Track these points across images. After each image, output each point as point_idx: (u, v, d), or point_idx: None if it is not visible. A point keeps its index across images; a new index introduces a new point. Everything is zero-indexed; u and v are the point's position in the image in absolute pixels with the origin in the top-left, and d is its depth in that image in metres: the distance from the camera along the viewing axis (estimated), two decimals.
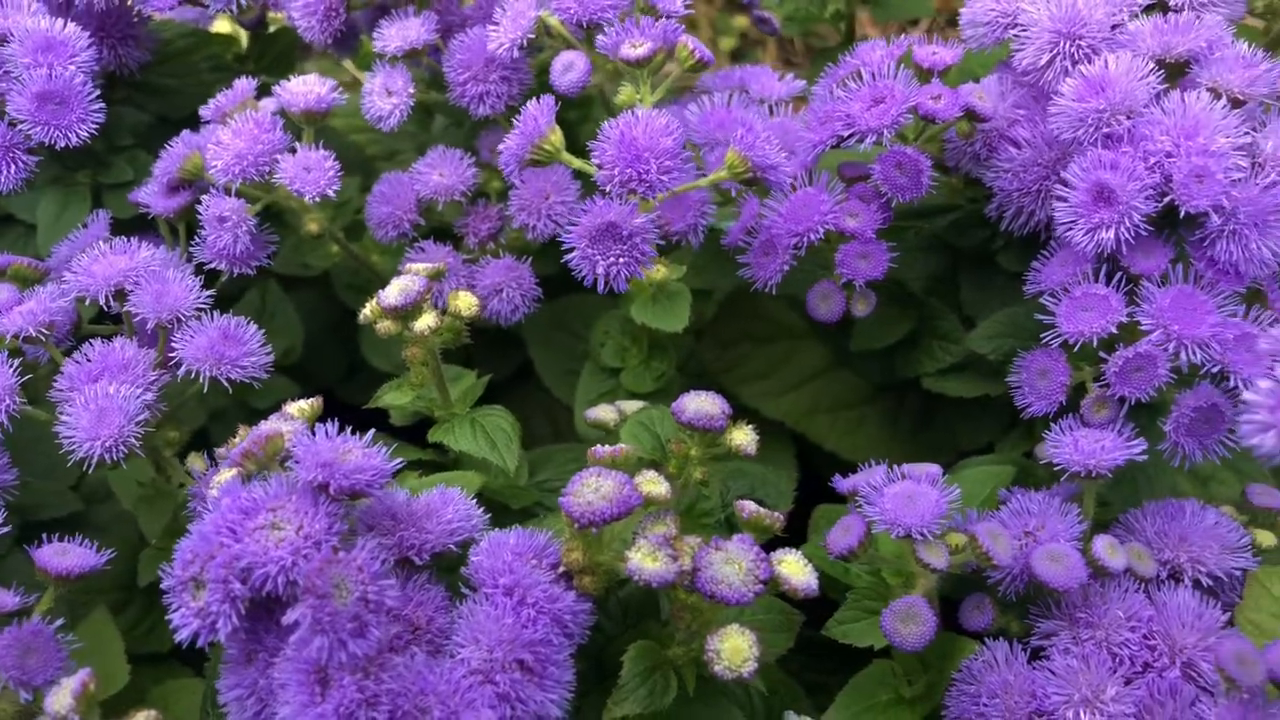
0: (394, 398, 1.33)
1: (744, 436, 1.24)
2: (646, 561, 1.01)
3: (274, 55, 1.75)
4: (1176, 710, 1.08)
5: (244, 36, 1.79)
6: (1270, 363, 0.92)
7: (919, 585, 1.19)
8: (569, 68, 1.31)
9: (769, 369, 1.65)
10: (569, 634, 1.04)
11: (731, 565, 1.04)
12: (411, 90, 1.43)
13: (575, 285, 1.52)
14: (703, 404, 1.23)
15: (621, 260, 1.15)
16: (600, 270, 1.15)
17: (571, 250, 1.16)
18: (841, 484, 1.20)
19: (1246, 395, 0.90)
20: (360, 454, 1.04)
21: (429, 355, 1.31)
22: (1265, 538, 1.22)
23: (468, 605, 1.02)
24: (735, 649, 1.02)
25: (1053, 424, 1.19)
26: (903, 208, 1.47)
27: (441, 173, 1.45)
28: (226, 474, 1.07)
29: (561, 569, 1.06)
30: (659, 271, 1.32)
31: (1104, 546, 1.16)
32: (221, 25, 1.84)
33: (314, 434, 1.05)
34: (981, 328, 1.38)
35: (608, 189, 1.13)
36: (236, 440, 1.14)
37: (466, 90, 1.42)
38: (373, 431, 1.07)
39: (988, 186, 1.32)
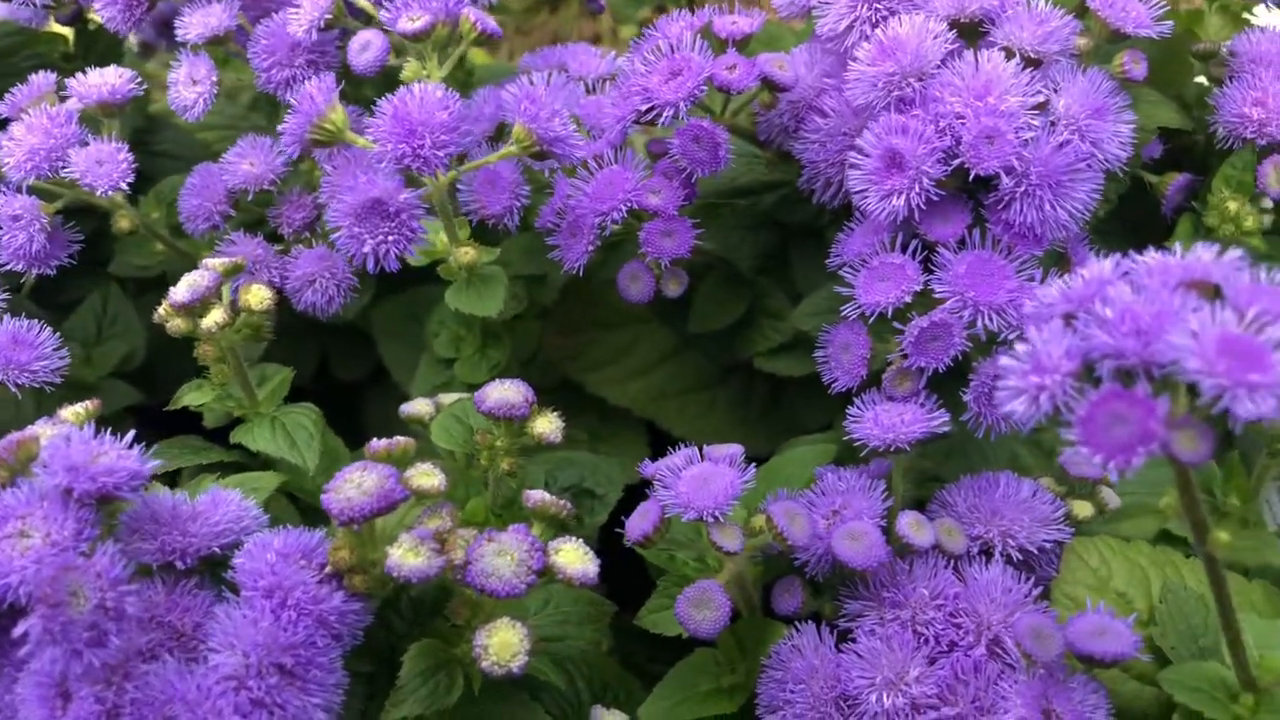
0: (194, 397, 1.28)
1: (548, 425, 1.20)
2: (407, 557, 0.97)
3: (99, 52, 1.70)
4: (979, 688, 1.05)
5: (72, 34, 1.74)
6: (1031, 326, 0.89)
7: (725, 571, 1.16)
8: (365, 47, 1.26)
9: (615, 355, 1.61)
10: (336, 636, 0.99)
11: (504, 557, 1.00)
12: (215, 79, 1.38)
13: (428, 275, 1.49)
14: (505, 392, 1.19)
15: (390, 238, 1.11)
16: (367, 249, 1.11)
17: (339, 229, 1.12)
18: (646, 469, 1.16)
19: (1002, 361, 0.87)
20: (115, 456, 0.99)
21: (227, 353, 1.26)
22: (1082, 509, 1.19)
23: (223, 609, 0.98)
24: (504, 643, 0.98)
25: (855, 399, 1.16)
26: (728, 186, 1.44)
27: (251, 162, 1.40)
28: None
29: (328, 569, 1.01)
30: (468, 254, 1.27)
31: (909, 523, 1.13)
32: (54, 24, 1.78)
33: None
34: (804, 304, 1.35)
35: (382, 165, 1.09)
36: None
37: (272, 76, 1.37)
38: (133, 433, 1.02)
39: (798, 159, 1.28)
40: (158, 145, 1.80)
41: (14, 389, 1.23)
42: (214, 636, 0.96)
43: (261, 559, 1.00)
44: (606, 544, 1.26)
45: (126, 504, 1.01)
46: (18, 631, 0.90)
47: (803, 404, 1.50)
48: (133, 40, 1.77)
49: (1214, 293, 0.83)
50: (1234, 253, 0.86)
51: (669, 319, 1.58)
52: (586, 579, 1.02)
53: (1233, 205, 1.29)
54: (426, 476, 1.04)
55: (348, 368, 1.84)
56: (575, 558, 1.02)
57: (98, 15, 1.43)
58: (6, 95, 1.40)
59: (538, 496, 1.08)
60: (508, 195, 1.34)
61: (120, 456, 0.99)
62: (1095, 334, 0.83)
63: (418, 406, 1.33)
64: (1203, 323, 0.79)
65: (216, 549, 1.03)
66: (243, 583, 0.99)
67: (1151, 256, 0.89)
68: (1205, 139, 1.37)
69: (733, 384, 1.61)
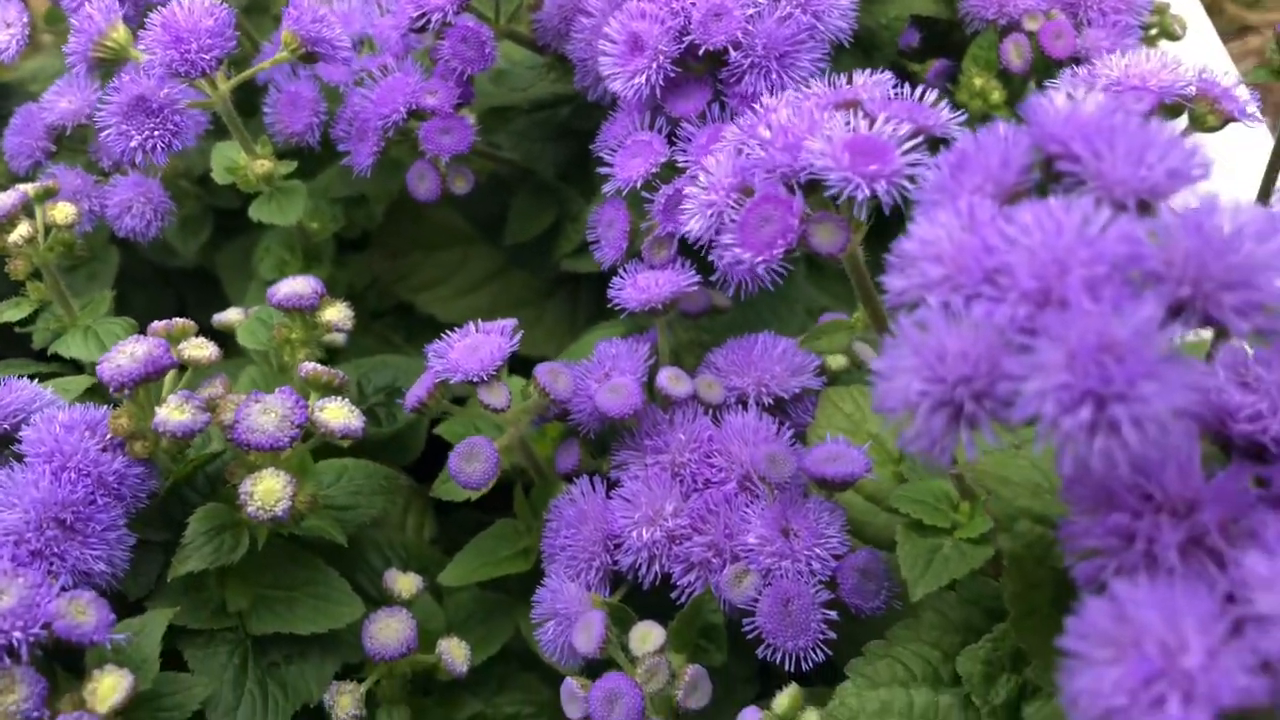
0: (12, 314, 1.36)
1: (337, 313, 1.28)
2: (173, 414, 1.05)
3: None
4: (729, 516, 1.14)
5: None
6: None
7: (506, 435, 1.24)
8: None
9: (444, 275, 1.69)
10: (118, 496, 1.07)
11: (268, 414, 1.08)
12: (26, 20, 1.46)
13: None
14: (295, 285, 1.27)
15: (156, 133, 1.19)
16: (135, 144, 1.19)
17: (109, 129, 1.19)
18: (428, 348, 1.23)
19: (686, 189, 0.96)
20: None
21: (44, 270, 1.34)
22: (836, 361, 1.29)
23: (5, 472, 1.05)
24: (268, 490, 1.06)
25: (619, 270, 1.25)
26: (522, 98, 1.53)
27: (69, 99, 1.47)
28: None
29: (110, 436, 1.09)
30: (264, 165, 1.36)
31: (668, 377, 1.22)
32: None
33: None
34: (596, 201, 1.43)
35: (155, 71, 1.16)
36: None
37: (69, 5, 1.44)
38: None
39: (572, 60, 1.37)
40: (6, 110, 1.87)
41: None
42: None
43: (45, 430, 1.07)
44: None
45: None
46: None
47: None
48: None
49: (859, 108, 0.93)
50: (882, 76, 0.96)
51: (492, 236, 1.66)
52: (349, 431, 1.10)
53: (979, 81, 1.40)
54: (198, 349, 1.12)
55: (204, 309, 1.91)
56: (338, 414, 1.11)
57: None
58: None
59: (309, 367, 1.15)
60: (308, 113, 1.42)
61: None
62: (755, 152, 0.92)
63: (229, 315, 1.42)
64: (835, 129, 0.88)
65: (7, 426, 1.11)
66: (26, 451, 1.06)
67: (817, 86, 0.98)
68: (961, 27, 1.47)
69: (559, 297, 1.70)
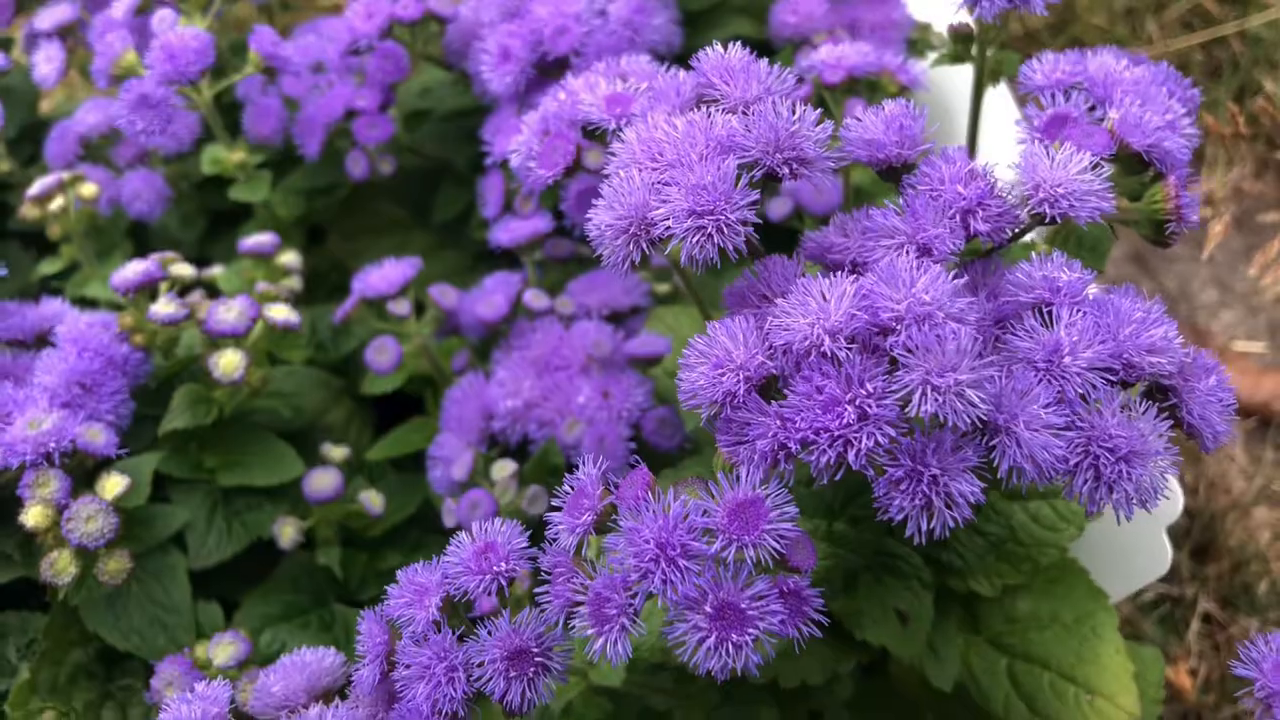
0: (49, 268, 1.80)
1: (290, 257, 1.72)
2: (163, 308, 1.48)
3: None
4: (569, 388, 1.55)
5: None
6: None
7: (412, 342, 1.66)
8: (163, 19, 1.80)
9: (389, 252, 2.11)
10: (124, 372, 1.50)
11: (230, 311, 1.50)
12: (64, 56, 1.92)
13: (250, 216, 2.02)
14: (259, 237, 1.71)
15: (154, 121, 1.64)
16: (139, 127, 1.64)
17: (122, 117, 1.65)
18: (354, 280, 1.66)
19: (510, 145, 1.39)
20: None
21: (75, 235, 1.78)
22: (662, 287, 1.71)
23: (45, 352, 1.47)
24: (229, 363, 1.48)
25: (493, 223, 1.68)
26: (441, 108, 1.98)
27: (94, 115, 1.94)
28: None
29: (118, 333, 1.52)
30: (238, 155, 1.80)
31: (531, 295, 1.64)
32: None
33: None
34: None
35: (146, 84, 1.62)
36: None
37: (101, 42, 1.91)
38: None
39: (470, 75, 1.83)
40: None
41: None
42: (36, 369, 1.46)
43: (72, 324, 1.51)
44: None
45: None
46: None
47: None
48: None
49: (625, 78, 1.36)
50: (643, 57, 1.39)
51: (425, 222, 2.10)
52: (289, 324, 1.52)
53: None
54: (181, 269, 1.55)
55: None
56: (280, 312, 1.53)
57: None
58: None
59: (261, 286, 1.58)
60: (274, 119, 1.87)
61: None
62: (552, 107, 1.35)
63: (213, 270, 1.85)
64: (600, 90, 1.31)
65: (45, 328, 1.54)
66: (59, 338, 1.49)
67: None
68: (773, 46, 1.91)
69: (480, 270, 2.12)
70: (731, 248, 1.03)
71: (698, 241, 1.04)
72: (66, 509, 1.33)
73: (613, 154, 1.14)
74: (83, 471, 1.41)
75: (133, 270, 1.50)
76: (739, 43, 1.20)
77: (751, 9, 1.97)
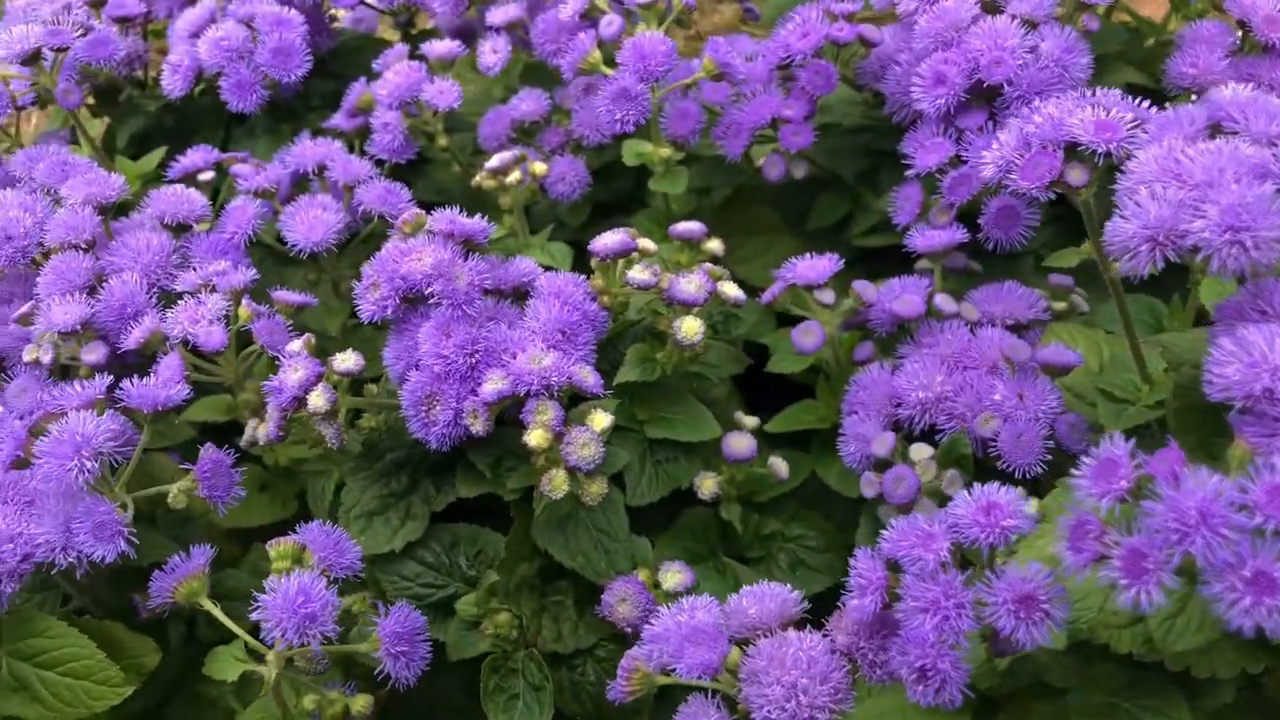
0: (495, 234, 2.04)
1: (716, 245, 1.91)
2: (638, 273, 1.68)
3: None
4: (979, 386, 1.69)
5: (396, 38, 2.58)
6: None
7: (828, 321, 1.83)
8: (610, 23, 2.03)
9: (756, 254, 2.30)
10: (594, 324, 1.70)
11: (690, 284, 1.70)
12: (509, 49, 2.18)
13: (627, 209, 2.25)
14: (689, 225, 1.91)
15: (631, 113, 1.85)
16: (618, 116, 1.86)
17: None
18: (781, 269, 1.85)
19: (983, 153, 1.55)
20: (470, 223, 1.74)
21: (515, 205, 2.02)
22: (1059, 305, 1.84)
23: (532, 303, 1.69)
24: (690, 328, 1.67)
25: (909, 230, 1.84)
26: (839, 126, 2.16)
27: (528, 104, 2.18)
28: (398, 237, 1.77)
29: (589, 291, 1.73)
30: (664, 151, 2.01)
31: (942, 298, 1.79)
32: (383, 33, 2.63)
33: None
34: (886, 197, 2.04)
35: (626, 79, 1.84)
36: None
37: (545, 48, 2.15)
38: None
39: (882, 94, 2.00)
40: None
41: (390, 219, 2.00)
42: (527, 316, 1.68)
43: (552, 280, 1.72)
44: None
45: (481, 248, 1.74)
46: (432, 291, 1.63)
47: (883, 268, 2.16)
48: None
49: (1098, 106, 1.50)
50: (1113, 91, 1.53)
51: (794, 228, 2.28)
52: (739, 300, 1.71)
53: None
54: (647, 242, 1.75)
55: None
56: (731, 289, 1.72)
57: (436, 9, 2.25)
58: (379, 58, 2.22)
59: (707, 267, 1.78)
60: (692, 122, 2.08)
61: (474, 223, 1.74)
62: (1030, 128, 1.50)
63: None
64: (1085, 115, 1.46)
65: (522, 283, 1.76)
66: (541, 290, 1.71)
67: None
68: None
69: (845, 275, 2.29)
70: (1266, 262, 1.16)
71: (1232, 254, 1.17)
72: (565, 435, 1.54)
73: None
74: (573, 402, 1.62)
75: (612, 239, 1.71)
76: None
77: (1126, 56, 2.09)
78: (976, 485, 1.25)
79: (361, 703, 1.55)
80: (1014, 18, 1.83)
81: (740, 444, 1.75)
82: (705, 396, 1.95)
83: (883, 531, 1.28)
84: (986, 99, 1.84)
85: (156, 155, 2.25)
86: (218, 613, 1.52)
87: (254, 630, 1.49)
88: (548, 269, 1.82)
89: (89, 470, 1.48)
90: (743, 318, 2.06)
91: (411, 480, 1.76)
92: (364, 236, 2.07)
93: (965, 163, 1.81)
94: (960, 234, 1.79)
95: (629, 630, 1.57)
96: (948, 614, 1.21)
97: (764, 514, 1.86)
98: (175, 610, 1.58)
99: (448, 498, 1.73)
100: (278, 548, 1.54)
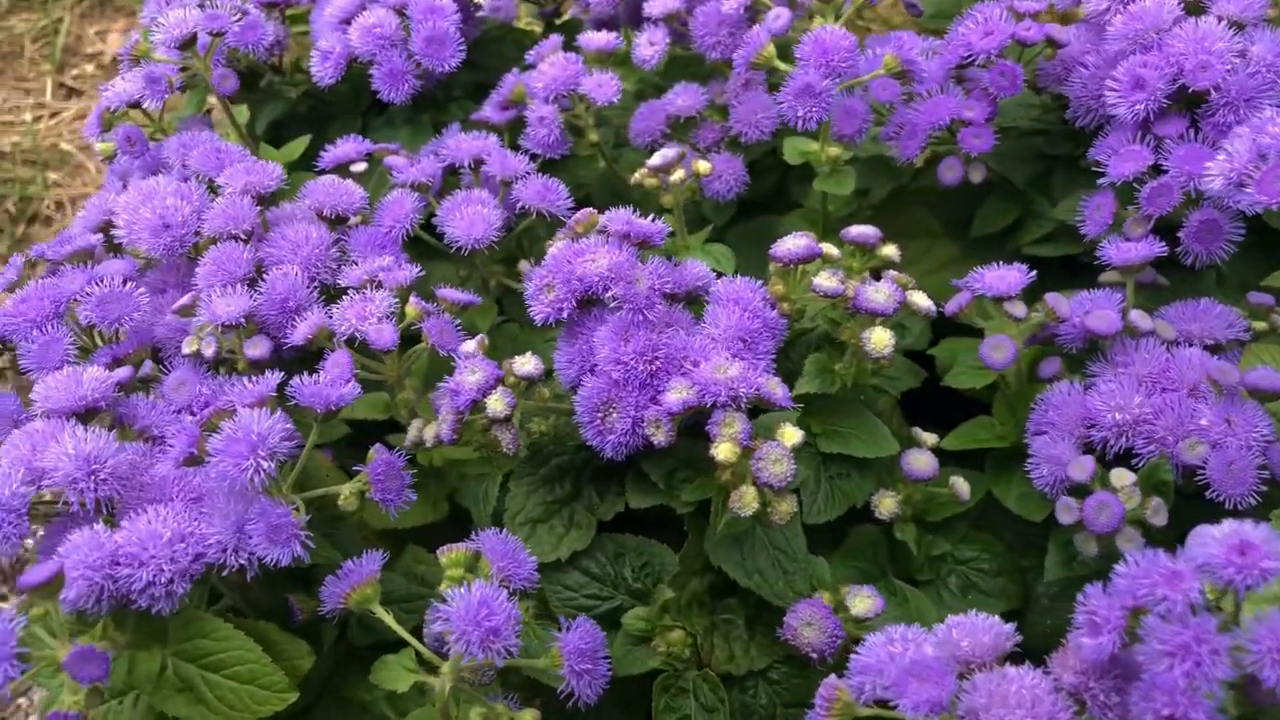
0: None
1: (891, 250, 1.83)
2: (825, 280, 1.61)
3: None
4: (1181, 409, 1.60)
5: (539, 29, 2.52)
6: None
7: (1016, 335, 1.74)
8: (778, 16, 1.95)
9: (913, 259, 2.21)
10: (772, 331, 1.63)
11: (879, 293, 1.62)
12: (667, 42, 2.11)
13: (769, 208, 2.18)
14: (864, 229, 1.83)
15: (814, 110, 1.78)
16: (802, 113, 1.78)
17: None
18: (969, 278, 1.76)
19: (1207, 164, 1.45)
20: (646, 224, 1.68)
21: (675, 204, 1.95)
22: (1259, 325, 1.73)
23: (710, 309, 1.63)
24: (880, 339, 1.60)
25: (1102, 241, 1.75)
26: (1013, 128, 2.06)
27: (683, 99, 2.11)
28: (560, 240, 1.72)
29: (767, 297, 1.66)
30: (833, 151, 1.94)
31: (1137, 315, 1.70)
32: (522, 24, 2.58)
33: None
34: (1062, 205, 1.95)
35: (810, 75, 1.77)
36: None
37: (704, 41, 2.08)
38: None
39: (1066, 97, 1.90)
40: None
41: (547, 216, 1.95)
42: (706, 322, 1.61)
43: (729, 286, 1.65)
44: None
45: (652, 249, 1.69)
46: (611, 294, 1.57)
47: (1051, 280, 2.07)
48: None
49: None
50: None
51: (953, 233, 2.19)
52: (929, 311, 1.63)
53: None
54: (831, 248, 1.68)
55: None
56: (921, 299, 1.64)
57: (590, 3, 2.19)
58: (532, 50, 2.16)
59: (893, 275, 1.70)
60: (859, 121, 1.99)
61: (649, 225, 1.68)
62: (1265, 140, 1.41)
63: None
64: None
65: (697, 287, 1.69)
66: (719, 299, 1.64)
67: None
68: None
69: None
70: None
71: None
72: (754, 450, 1.47)
73: None
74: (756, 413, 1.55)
75: (794, 243, 1.64)
76: None
77: None
78: (1227, 521, 1.17)
79: (528, 717, 1.50)
80: (1220, 19, 1.73)
81: (921, 462, 1.67)
82: (871, 409, 1.88)
83: (1116, 567, 1.20)
84: (1187, 106, 1.74)
85: (300, 144, 2.22)
86: (391, 621, 1.48)
87: (414, 633, 1.45)
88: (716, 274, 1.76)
89: (265, 470, 1.44)
90: (909, 328, 1.99)
91: (574, 487, 1.71)
92: (518, 233, 2.02)
93: (1165, 172, 1.71)
94: (1158, 247, 1.70)
95: (814, 656, 1.51)
96: (1200, 660, 1.12)
97: (935, 534, 1.78)
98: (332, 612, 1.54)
99: (614, 507, 1.68)
100: (449, 555, 1.49)
